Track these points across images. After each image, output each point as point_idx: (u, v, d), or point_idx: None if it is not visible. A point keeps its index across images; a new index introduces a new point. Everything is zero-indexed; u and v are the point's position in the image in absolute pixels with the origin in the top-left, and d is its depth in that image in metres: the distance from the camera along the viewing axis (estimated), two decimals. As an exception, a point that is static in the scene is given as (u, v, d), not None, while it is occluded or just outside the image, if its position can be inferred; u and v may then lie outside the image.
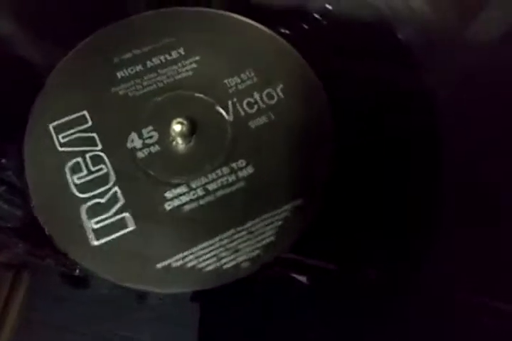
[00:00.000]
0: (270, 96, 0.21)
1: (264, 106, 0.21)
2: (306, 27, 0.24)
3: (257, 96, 0.21)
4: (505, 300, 0.20)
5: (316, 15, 0.24)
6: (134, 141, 0.20)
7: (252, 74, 0.22)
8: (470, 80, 0.24)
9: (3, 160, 0.21)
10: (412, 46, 0.24)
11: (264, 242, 0.19)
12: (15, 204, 0.21)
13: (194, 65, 0.22)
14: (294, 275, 0.20)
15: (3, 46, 0.24)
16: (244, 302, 0.20)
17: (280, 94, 0.21)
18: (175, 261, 0.19)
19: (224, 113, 0.21)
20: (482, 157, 0.22)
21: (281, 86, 0.21)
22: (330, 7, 0.25)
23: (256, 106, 0.21)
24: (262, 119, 0.21)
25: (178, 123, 0.20)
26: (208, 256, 0.19)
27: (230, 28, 0.23)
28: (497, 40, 0.25)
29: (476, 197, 0.21)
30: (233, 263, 0.19)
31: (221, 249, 0.19)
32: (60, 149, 0.20)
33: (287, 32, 0.23)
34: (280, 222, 0.19)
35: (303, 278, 0.20)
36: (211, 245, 0.19)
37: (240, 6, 0.25)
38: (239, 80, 0.21)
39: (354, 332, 0.20)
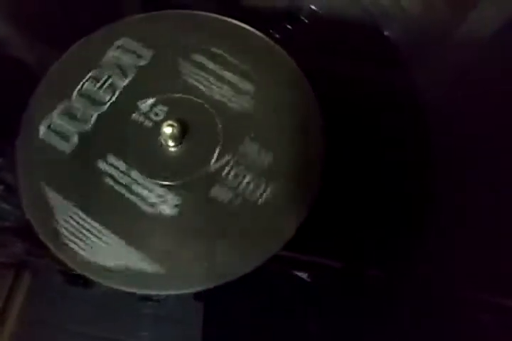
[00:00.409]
0: (255, 189, 0.18)
1: (241, 191, 0.18)
2: (290, 28, 0.24)
3: (248, 178, 0.19)
4: (505, 296, 0.20)
5: (301, 17, 0.24)
6: (146, 104, 0.20)
7: (271, 159, 0.19)
8: (462, 78, 0.24)
9: (0, 160, 0.21)
10: (401, 45, 0.24)
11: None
12: (13, 204, 0.21)
13: (247, 106, 0.19)
14: (296, 273, 0.20)
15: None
16: (246, 300, 0.20)
17: (266, 194, 0.18)
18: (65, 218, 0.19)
19: (215, 157, 0.19)
20: (474, 154, 0.22)
21: (272, 188, 0.19)
22: (315, 8, 0.24)
23: (236, 184, 0.19)
24: (227, 196, 0.18)
25: (169, 125, 0.18)
26: (82, 230, 0.19)
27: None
28: (489, 38, 0.25)
29: (475, 196, 0.21)
30: (84, 255, 0.18)
31: (90, 236, 0.18)
32: (104, 60, 0.21)
33: (275, 35, 0.22)
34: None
35: (304, 275, 0.20)
36: (89, 224, 0.19)
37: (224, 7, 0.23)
38: (256, 153, 0.19)
39: (354, 330, 0.20)
